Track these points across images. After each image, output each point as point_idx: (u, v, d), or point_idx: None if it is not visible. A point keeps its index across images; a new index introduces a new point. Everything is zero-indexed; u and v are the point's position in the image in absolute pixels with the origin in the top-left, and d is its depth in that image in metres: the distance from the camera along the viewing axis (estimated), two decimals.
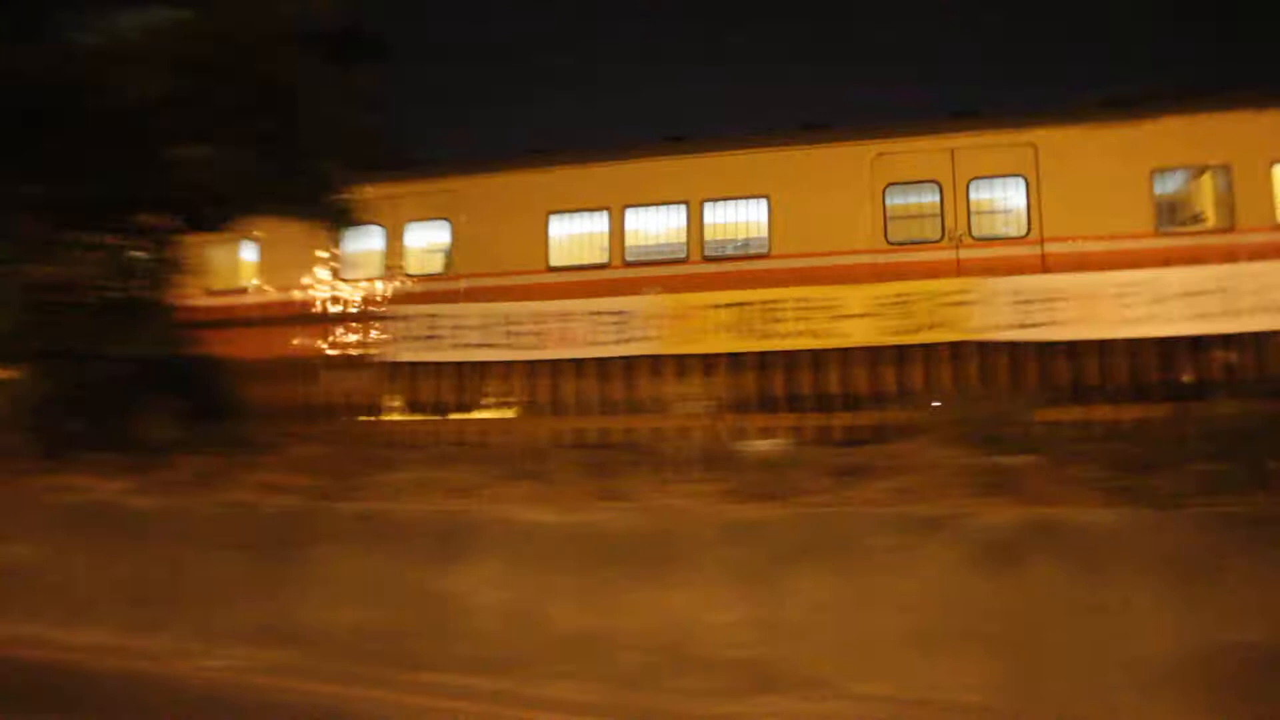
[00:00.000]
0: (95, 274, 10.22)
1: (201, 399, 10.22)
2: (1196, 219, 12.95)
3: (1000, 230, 13.23)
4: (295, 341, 11.04)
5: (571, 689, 6.93)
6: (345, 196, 10.36)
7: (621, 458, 8.27)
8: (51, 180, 9.41)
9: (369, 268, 14.83)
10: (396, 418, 10.38)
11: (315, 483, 8.56)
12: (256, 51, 9.13)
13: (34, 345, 9.72)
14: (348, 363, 10.66)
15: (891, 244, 13.22)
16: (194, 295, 11.65)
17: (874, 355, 9.77)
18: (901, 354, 9.89)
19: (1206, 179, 12.92)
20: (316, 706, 6.67)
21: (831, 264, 12.60)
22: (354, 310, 11.18)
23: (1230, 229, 12.38)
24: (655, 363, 9.41)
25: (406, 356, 10.21)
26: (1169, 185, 13.09)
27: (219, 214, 10.49)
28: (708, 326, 9.27)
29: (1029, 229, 12.88)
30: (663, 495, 7.46)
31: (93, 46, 9.51)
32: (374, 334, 10.65)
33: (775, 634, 6.61)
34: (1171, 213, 13.02)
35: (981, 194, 13.17)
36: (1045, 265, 12.26)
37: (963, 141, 13.07)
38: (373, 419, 10.34)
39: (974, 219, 13.16)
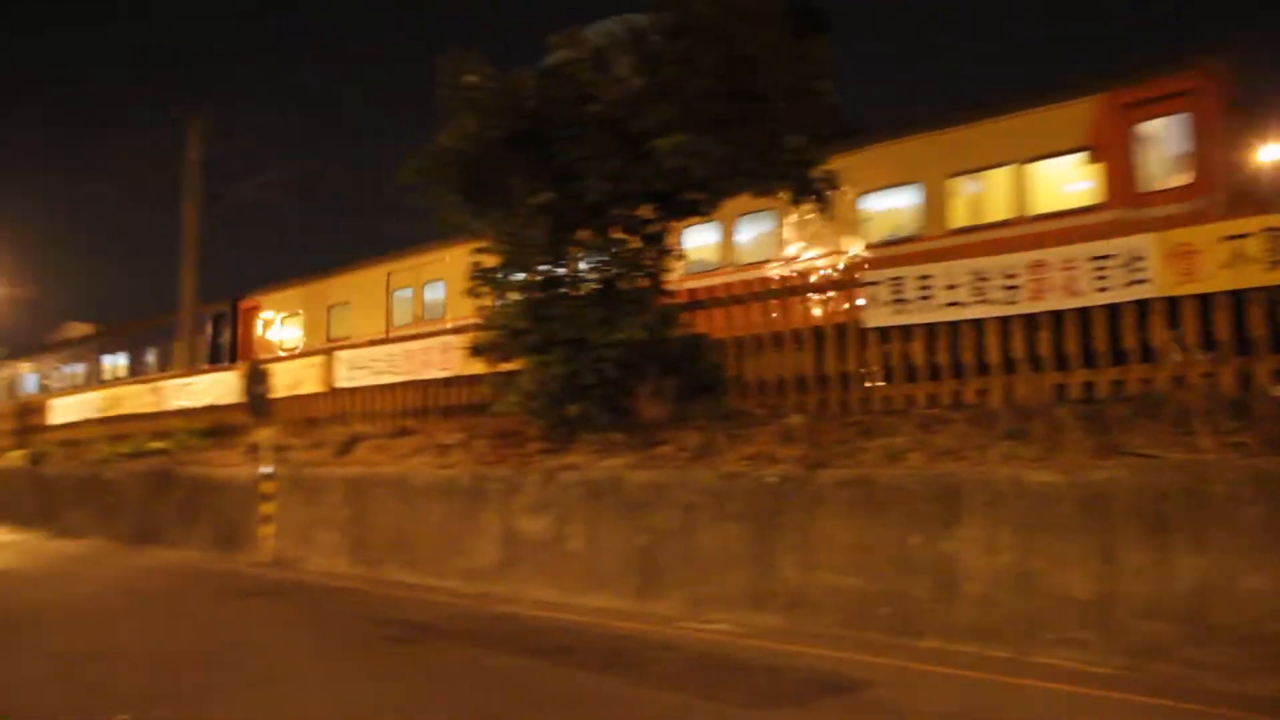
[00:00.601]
0: (591, 268, 11.15)
1: (689, 377, 10.81)
2: None
3: None
4: (769, 315, 11.30)
5: (1078, 658, 6.64)
6: (815, 169, 10.49)
7: (1118, 412, 7.72)
8: (557, 187, 10.38)
9: (831, 237, 14.90)
10: (874, 383, 10.34)
11: (802, 452, 8.79)
12: (725, 37, 9.45)
13: (540, 337, 10.74)
14: (821, 333, 10.77)
15: None
16: (675, 278, 12.26)
17: None
18: None
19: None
20: (812, 670, 6.86)
21: None
22: (822, 280, 11.22)
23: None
24: (1145, 307, 8.61)
25: (876, 322, 10.14)
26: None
27: (697, 199, 11.09)
28: (1209, 263, 8.31)
29: None
30: (1173, 450, 6.89)
31: (576, 60, 10.36)
32: (843, 302, 10.67)
33: None
34: None
35: None
36: None
37: None
38: (852, 386, 10.37)
39: None
